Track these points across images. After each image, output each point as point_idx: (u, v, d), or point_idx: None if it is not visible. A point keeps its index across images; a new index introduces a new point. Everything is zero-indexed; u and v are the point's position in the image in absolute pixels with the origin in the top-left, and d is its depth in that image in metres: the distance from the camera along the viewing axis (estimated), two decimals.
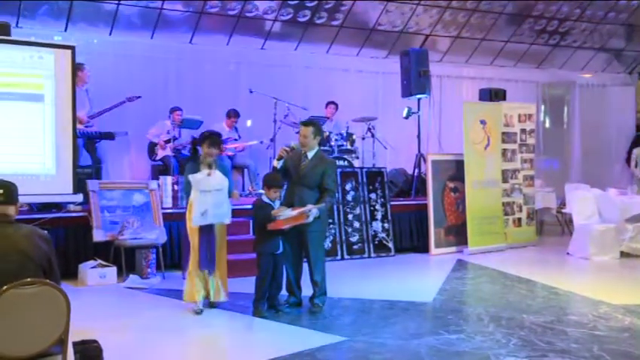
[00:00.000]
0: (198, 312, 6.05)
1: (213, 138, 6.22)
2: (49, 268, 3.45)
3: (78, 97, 9.23)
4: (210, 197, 6.01)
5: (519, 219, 10.76)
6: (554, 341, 5.19)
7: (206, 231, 6.03)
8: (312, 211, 5.91)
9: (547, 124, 15.02)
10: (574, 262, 9.27)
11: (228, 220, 6.21)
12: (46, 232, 3.59)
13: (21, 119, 7.33)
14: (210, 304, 6.23)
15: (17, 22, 9.54)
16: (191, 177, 6.09)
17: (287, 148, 6.31)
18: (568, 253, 9.65)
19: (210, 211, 5.99)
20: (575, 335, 5.39)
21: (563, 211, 11.69)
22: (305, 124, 6.39)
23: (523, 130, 11.01)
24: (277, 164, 6.26)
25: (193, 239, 6.08)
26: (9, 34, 7.55)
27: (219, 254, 6.17)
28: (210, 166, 6.10)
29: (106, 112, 9.35)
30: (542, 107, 14.77)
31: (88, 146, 9.22)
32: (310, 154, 6.22)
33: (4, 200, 3.38)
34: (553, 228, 12.46)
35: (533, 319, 5.87)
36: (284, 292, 6.31)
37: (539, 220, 11.76)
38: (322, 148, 8.75)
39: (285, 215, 5.86)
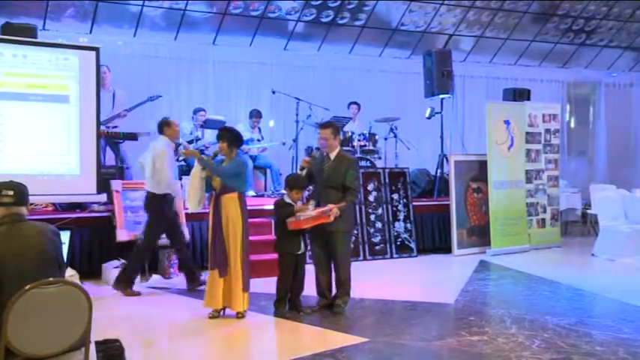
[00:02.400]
0: (211, 316, 5.95)
1: (219, 132, 6.17)
2: (62, 260, 3.55)
3: (102, 100, 9.35)
4: None
5: (543, 220, 10.65)
6: (578, 344, 5.14)
7: (217, 228, 5.89)
8: (333, 210, 5.91)
9: (572, 124, 14.87)
10: (599, 264, 9.16)
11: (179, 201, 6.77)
12: (55, 226, 3.67)
13: (46, 120, 7.41)
14: (237, 315, 5.93)
15: (44, 25, 9.69)
16: None
17: (308, 159, 6.35)
18: (593, 255, 9.54)
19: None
20: (599, 338, 5.32)
21: (589, 212, 11.55)
22: (323, 126, 6.36)
23: (547, 131, 10.90)
24: (302, 174, 6.31)
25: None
26: (36, 37, 7.66)
27: (234, 258, 5.86)
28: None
29: (128, 112, 9.42)
30: (568, 107, 14.63)
31: (112, 147, 9.32)
32: (332, 155, 6.21)
33: (16, 201, 3.45)
34: (578, 229, 12.31)
35: (557, 321, 5.80)
36: (306, 292, 6.29)
37: (563, 221, 11.63)
38: (345, 148, 8.76)
39: (306, 215, 5.87)
